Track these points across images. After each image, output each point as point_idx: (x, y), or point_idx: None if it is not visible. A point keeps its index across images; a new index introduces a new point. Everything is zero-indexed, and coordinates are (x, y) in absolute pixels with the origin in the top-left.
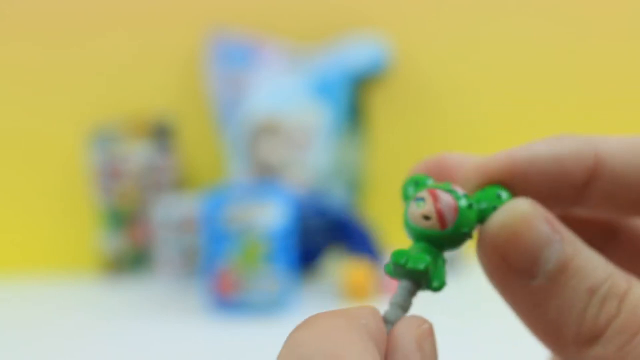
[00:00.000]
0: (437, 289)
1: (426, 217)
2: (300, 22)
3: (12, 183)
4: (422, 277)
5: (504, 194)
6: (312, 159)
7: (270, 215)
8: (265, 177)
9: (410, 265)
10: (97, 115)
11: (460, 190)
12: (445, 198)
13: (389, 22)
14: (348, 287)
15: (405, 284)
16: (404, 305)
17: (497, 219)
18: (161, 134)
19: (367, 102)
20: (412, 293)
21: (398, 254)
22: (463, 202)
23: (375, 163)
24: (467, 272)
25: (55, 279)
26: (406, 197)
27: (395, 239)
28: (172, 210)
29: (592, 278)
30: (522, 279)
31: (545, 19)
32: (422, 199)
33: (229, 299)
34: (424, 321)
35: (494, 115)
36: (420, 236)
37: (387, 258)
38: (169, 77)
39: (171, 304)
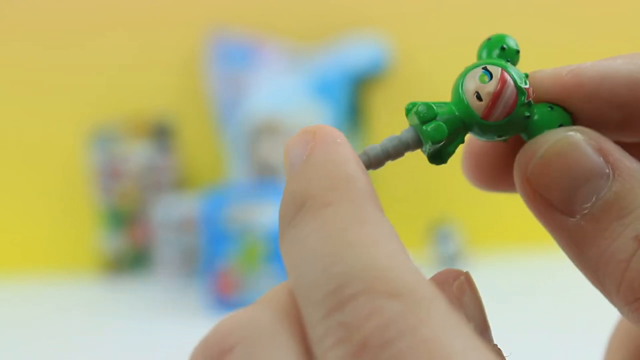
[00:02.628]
0: (433, 137)
1: (479, 97)
2: (300, 22)
3: (12, 183)
4: (426, 139)
5: (558, 111)
6: None
7: (270, 215)
8: (265, 177)
9: (427, 129)
10: (97, 115)
11: (529, 91)
12: (509, 93)
13: (389, 22)
14: None
15: (405, 131)
16: (390, 151)
17: (535, 143)
18: (161, 134)
19: (367, 102)
20: (406, 145)
21: (426, 110)
22: (522, 108)
23: None
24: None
25: (55, 279)
26: (479, 56)
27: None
28: (172, 210)
29: None
30: (560, 215)
31: (545, 19)
32: (490, 76)
33: (229, 299)
34: (459, 273)
35: None
36: (459, 106)
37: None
38: (169, 77)
39: (171, 304)
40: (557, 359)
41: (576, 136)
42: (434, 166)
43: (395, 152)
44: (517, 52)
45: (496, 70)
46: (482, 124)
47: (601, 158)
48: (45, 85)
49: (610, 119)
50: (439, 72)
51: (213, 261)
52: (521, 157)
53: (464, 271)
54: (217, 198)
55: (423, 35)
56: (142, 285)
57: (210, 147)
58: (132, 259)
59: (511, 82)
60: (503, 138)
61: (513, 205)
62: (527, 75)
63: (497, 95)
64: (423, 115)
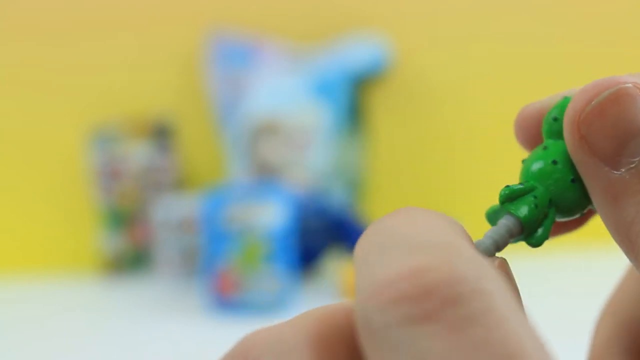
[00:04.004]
0: (536, 243)
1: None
2: (300, 22)
3: (12, 183)
4: (522, 226)
5: None
6: (312, 159)
7: (270, 215)
8: (265, 177)
9: (535, 239)
10: (97, 115)
11: None
12: None
13: (389, 22)
14: (348, 287)
15: (508, 220)
16: (498, 242)
17: (587, 88)
18: (161, 134)
19: (367, 102)
20: (512, 233)
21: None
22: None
23: (375, 163)
24: None
25: (55, 279)
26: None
27: None
28: (172, 210)
29: None
30: (604, 166)
31: (545, 19)
32: None
33: (229, 299)
34: (494, 258)
35: (494, 115)
36: (567, 208)
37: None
38: (169, 77)
39: (171, 304)
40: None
41: (633, 89)
42: (434, 167)
43: (504, 244)
44: None
45: None
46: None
47: None
48: (45, 85)
49: None
50: (439, 72)
51: (213, 261)
52: (575, 103)
53: (500, 257)
54: (217, 198)
55: (423, 35)
56: (142, 285)
57: (210, 147)
58: (132, 259)
59: None
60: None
61: None
62: None
63: None
64: (530, 220)
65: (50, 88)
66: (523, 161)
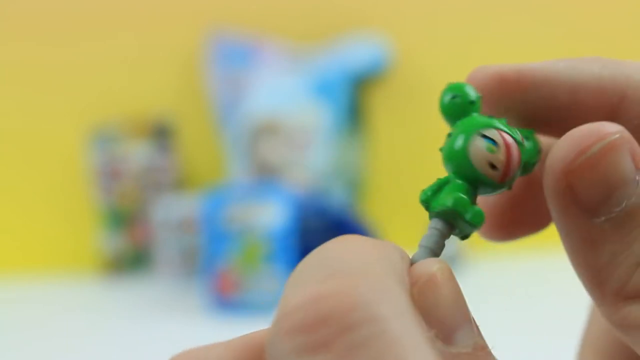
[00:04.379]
0: (475, 224)
1: (493, 166)
2: (300, 22)
3: (12, 183)
4: (464, 227)
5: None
6: (312, 159)
7: (270, 215)
8: (265, 177)
9: (469, 218)
10: (97, 115)
11: (522, 140)
12: (515, 153)
13: (389, 22)
14: None
15: (435, 223)
16: (435, 249)
17: (575, 138)
18: (161, 134)
19: (367, 102)
20: (444, 235)
21: (459, 201)
22: (524, 158)
23: (375, 163)
24: (469, 269)
25: (55, 279)
26: (455, 109)
27: (395, 238)
28: (172, 210)
29: None
30: (584, 214)
31: (545, 19)
32: (494, 142)
33: (229, 299)
34: (430, 265)
35: None
36: (470, 178)
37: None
38: (169, 77)
39: (171, 304)
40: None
41: (621, 140)
42: (434, 167)
43: (440, 249)
44: (479, 99)
45: (496, 135)
46: (499, 187)
47: (633, 163)
48: (45, 85)
49: (543, 119)
50: (439, 72)
51: (213, 261)
52: (562, 152)
53: (433, 264)
54: (217, 198)
55: (423, 35)
56: (142, 285)
57: (210, 147)
58: (132, 259)
59: (512, 140)
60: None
61: None
62: (504, 120)
63: (509, 160)
64: (461, 208)
65: (50, 88)
66: None
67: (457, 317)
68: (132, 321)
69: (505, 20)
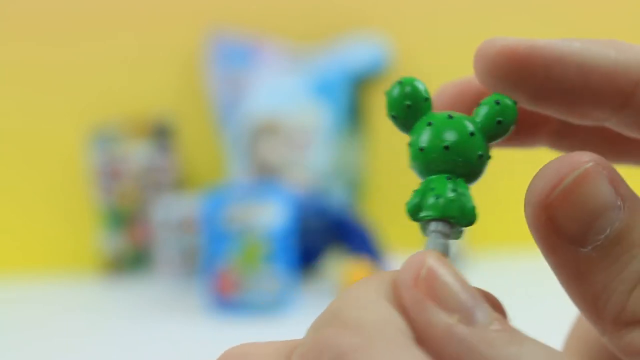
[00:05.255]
0: (469, 221)
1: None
2: (300, 22)
3: (12, 183)
4: (466, 224)
5: (506, 100)
6: (312, 159)
7: (270, 215)
8: (265, 177)
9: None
10: (97, 115)
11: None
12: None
13: (389, 22)
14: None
15: (432, 226)
16: (444, 252)
17: (550, 171)
18: (161, 134)
19: (367, 102)
20: (446, 233)
21: (467, 209)
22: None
23: (375, 163)
24: (470, 267)
25: (55, 279)
26: (408, 109)
27: (395, 238)
28: (172, 210)
29: None
30: (569, 245)
31: (545, 19)
32: None
33: (229, 299)
34: (423, 257)
35: None
36: (463, 172)
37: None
38: (169, 77)
39: (171, 304)
40: None
41: (596, 168)
42: None
43: (448, 251)
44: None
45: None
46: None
47: (614, 190)
48: (45, 85)
49: (551, 98)
50: (439, 72)
51: (213, 261)
52: (538, 186)
53: (426, 256)
54: (217, 198)
55: (423, 36)
56: (142, 285)
57: (210, 147)
58: (132, 259)
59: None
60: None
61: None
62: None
63: None
64: (465, 211)
65: (50, 88)
66: None
67: (471, 298)
68: (132, 321)
69: (505, 20)
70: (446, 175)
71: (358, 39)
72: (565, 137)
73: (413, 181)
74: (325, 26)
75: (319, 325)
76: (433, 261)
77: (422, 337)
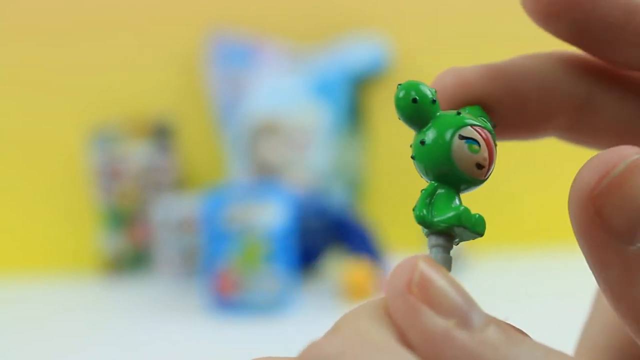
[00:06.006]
0: (480, 232)
1: (480, 166)
2: (300, 22)
3: (12, 183)
4: (468, 236)
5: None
6: (312, 159)
7: (270, 215)
8: (265, 177)
9: (477, 229)
10: (97, 115)
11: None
12: (493, 144)
13: (389, 22)
14: (348, 287)
15: (436, 240)
16: (447, 268)
17: (597, 162)
18: (161, 134)
19: (367, 102)
20: (448, 249)
21: (466, 215)
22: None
23: (375, 163)
24: (469, 269)
25: (55, 279)
26: (415, 111)
27: (395, 238)
28: (172, 210)
29: None
30: (617, 241)
31: None
32: (476, 143)
33: (229, 299)
34: (415, 262)
35: None
36: (456, 180)
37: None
38: (169, 77)
39: (171, 304)
40: None
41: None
42: None
43: (449, 265)
44: (435, 94)
45: (474, 133)
46: (483, 182)
47: None
48: (45, 85)
49: (594, 37)
50: (439, 73)
51: (213, 261)
52: (584, 178)
53: (418, 261)
54: (217, 198)
55: (423, 35)
56: (142, 285)
57: (210, 147)
58: (132, 259)
59: (487, 132)
60: None
61: (513, 206)
62: (485, 119)
63: (491, 154)
64: (467, 218)
65: (50, 88)
66: None
67: (466, 301)
68: (132, 321)
69: (505, 20)
70: (451, 185)
71: (358, 39)
72: (578, 130)
73: (413, 181)
74: (325, 26)
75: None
76: (425, 265)
77: (417, 345)
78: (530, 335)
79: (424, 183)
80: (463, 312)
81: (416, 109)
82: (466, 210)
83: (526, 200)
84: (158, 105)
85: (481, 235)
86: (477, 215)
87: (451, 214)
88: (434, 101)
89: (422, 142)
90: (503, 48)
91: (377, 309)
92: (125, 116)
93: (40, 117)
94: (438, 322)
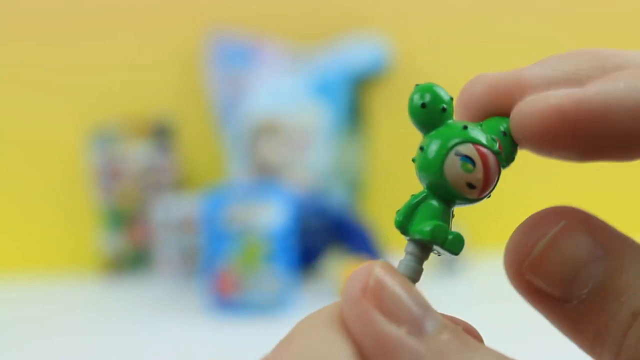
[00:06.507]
0: (454, 252)
1: (471, 186)
2: (300, 22)
3: (12, 183)
4: (445, 251)
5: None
6: (312, 159)
7: (270, 215)
8: (265, 177)
9: (448, 246)
10: (97, 115)
11: (500, 148)
12: (494, 166)
13: (389, 22)
14: None
15: (412, 248)
16: (412, 276)
17: (527, 239)
18: (161, 134)
19: (367, 102)
20: (421, 259)
21: (438, 231)
22: (504, 162)
23: (375, 163)
24: (469, 269)
25: (55, 279)
26: (426, 116)
27: (395, 239)
28: (172, 210)
29: (636, 301)
30: (556, 302)
31: (545, 19)
32: (471, 162)
33: (229, 299)
34: (371, 267)
35: None
36: (447, 195)
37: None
38: (169, 77)
39: (171, 304)
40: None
41: (570, 224)
42: None
43: (418, 275)
44: (452, 102)
45: (473, 152)
46: (478, 201)
47: (594, 241)
48: (45, 85)
49: (606, 146)
50: (439, 73)
51: (213, 261)
52: (514, 253)
53: (373, 267)
54: (217, 198)
55: (423, 36)
56: (142, 285)
57: (210, 147)
58: (132, 259)
59: (490, 154)
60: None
61: (513, 206)
62: (481, 126)
63: (487, 176)
64: (440, 237)
65: (50, 88)
66: None
67: (419, 308)
68: (132, 321)
69: (505, 20)
70: (442, 198)
71: (358, 39)
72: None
73: (413, 181)
74: (325, 26)
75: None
76: (380, 271)
77: (370, 353)
78: (530, 335)
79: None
80: (415, 319)
81: (424, 114)
82: (441, 227)
83: (526, 200)
84: (158, 105)
85: (455, 254)
86: (455, 234)
87: (426, 228)
88: (444, 109)
89: (421, 149)
90: (503, 48)
91: (332, 316)
92: (125, 116)
93: (40, 117)
94: (390, 329)
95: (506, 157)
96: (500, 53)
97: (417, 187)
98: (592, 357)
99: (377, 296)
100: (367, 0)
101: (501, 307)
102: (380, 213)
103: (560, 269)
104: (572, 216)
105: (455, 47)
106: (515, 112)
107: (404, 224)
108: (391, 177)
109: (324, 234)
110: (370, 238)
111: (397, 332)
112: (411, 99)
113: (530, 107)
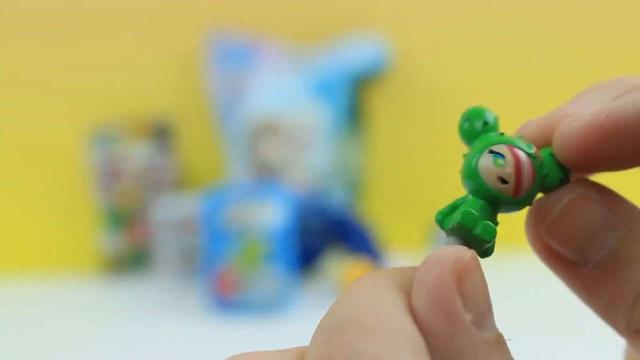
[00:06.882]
0: (484, 238)
1: (503, 181)
2: (300, 22)
3: (12, 183)
4: (478, 243)
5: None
6: (312, 159)
7: (270, 215)
8: (265, 177)
9: (478, 232)
10: (97, 115)
11: (538, 154)
12: (527, 166)
13: (389, 22)
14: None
15: (451, 241)
16: None
17: (548, 202)
18: (161, 134)
19: (367, 102)
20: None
21: (467, 216)
22: (540, 172)
23: (375, 163)
24: None
25: (55, 279)
26: (470, 131)
27: (395, 238)
28: (172, 210)
29: None
30: (572, 265)
31: (546, 19)
32: (503, 157)
33: (229, 299)
34: (465, 251)
35: None
36: (485, 195)
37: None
38: (169, 77)
39: (171, 304)
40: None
41: (587, 193)
42: (434, 168)
43: None
44: (497, 121)
45: (505, 150)
46: (515, 202)
47: (609, 211)
48: (45, 85)
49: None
50: (439, 73)
51: (213, 261)
52: (534, 216)
53: (467, 251)
54: (217, 198)
55: (423, 36)
56: (142, 285)
57: (210, 147)
58: (132, 259)
59: (522, 154)
60: (531, 204)
61: None
62: (527, 143)
63: (519, 172)
64: (469, 222)
65: (50, 88)
66: None
67: (488, 305)
68: (132, 321)
69: (505, 21)
70: (484, 199)
71: (358, 39)
72: None
73: (413, 181)
74: (325, 26)
75: (331, 331)
76: (472, 257)
77: (429, 321)
78: (530, 335)
79: (423, 183)
80: (482, 313)
81: (467, 127)
82: (472, 214)
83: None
84: (158, 105)
85: (487, 242)
86: (486, 223)
87: (458, 214)
88: (486, 123)
89: (464, 155)
90: (503, 47)
91: (392, 277)
92: (125, 116)
93: (40, 117)
94: (460, 309)
95: (552, 175)
96: (500, 53)
97: (416, 187)
98: (607, 321)
99: (462, 278)
100: (367, 0)
101: (501, 307)
102: (380, 213)
103: (575, 234)
104: (589, 186)
105: (455, 47)
106: (557, 134)
107: (443, 219)
108: (391, 177)
109: (324, 234)
110: (370, 238)
111: (465, 315)
112: (460, 121)
113: (569, 127)
